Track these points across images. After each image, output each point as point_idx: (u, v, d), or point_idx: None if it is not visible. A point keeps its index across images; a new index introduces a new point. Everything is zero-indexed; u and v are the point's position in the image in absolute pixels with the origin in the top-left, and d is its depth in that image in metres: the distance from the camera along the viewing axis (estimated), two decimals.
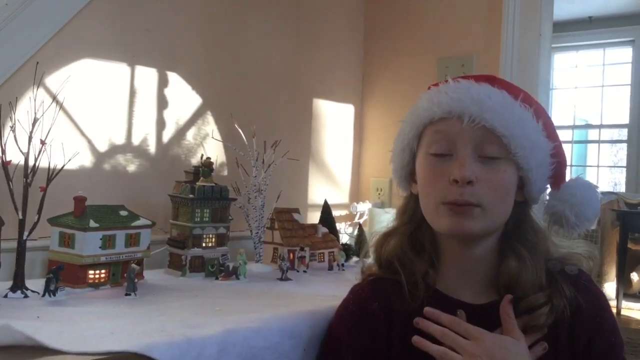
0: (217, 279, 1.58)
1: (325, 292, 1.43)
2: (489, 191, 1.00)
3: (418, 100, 1.11)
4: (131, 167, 1.81)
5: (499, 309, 1.04)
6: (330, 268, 1.84)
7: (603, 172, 6.14)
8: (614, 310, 4.08)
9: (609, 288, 4.44)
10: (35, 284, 1.28)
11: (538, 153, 1.03)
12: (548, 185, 1.10)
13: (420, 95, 1.10)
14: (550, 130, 1.07)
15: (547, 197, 1.11)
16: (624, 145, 5.82)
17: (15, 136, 1.30)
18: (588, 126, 6.21)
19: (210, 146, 2.02)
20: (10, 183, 1.27)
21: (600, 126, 5.97)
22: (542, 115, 1.07)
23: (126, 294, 1.31)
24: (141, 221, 1.47)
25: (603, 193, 4.64)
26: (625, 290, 4.25)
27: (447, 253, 1.10)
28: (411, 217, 1.14)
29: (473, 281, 1.09)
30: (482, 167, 1.01)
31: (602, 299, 1.09)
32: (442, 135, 1.03)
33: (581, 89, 6.00)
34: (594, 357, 1.04)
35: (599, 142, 6.03)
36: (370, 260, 1.20)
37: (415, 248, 1.12)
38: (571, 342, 1.04)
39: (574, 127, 6.06)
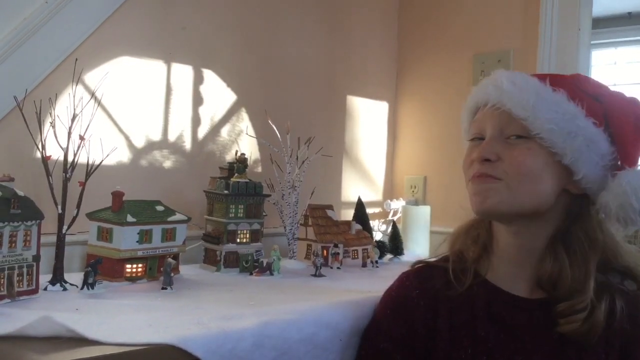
0: (251, 274, 1.59)
1: (359, 288, 1.43)
2: (510, 167, 1.02)
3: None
4: (167, 163, 1.83)
5: (547, 307, 1.02)
6: (364, 265, 1.83)
7: None
8: None
9: None
10: (74, 277, 1.30)
11: (573, 138, 1.01)
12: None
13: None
14: (612, 121, 1.04)
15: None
16: None
17: (54, 132, 1.32)
18: None
19: (244, 142, 2.03)
20: (50, 178, 1.29)
21: None
22: (602, 109, 1.05)
23: (162, 288, 1.32)
24: (177, 216, 1.49)
25: None
26: None
27: (499, 242, 1.11)
28: None
29: (524, 274, 1.08)
30: (506, 146, 1.03)
31: None
32: (476, 123, 1.10)
33: (620, 86, 5.86)
34: None
35: None
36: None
37: (472, 236, 1.15)
38: (626, 355, 1.01)
39: None
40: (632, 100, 1.10)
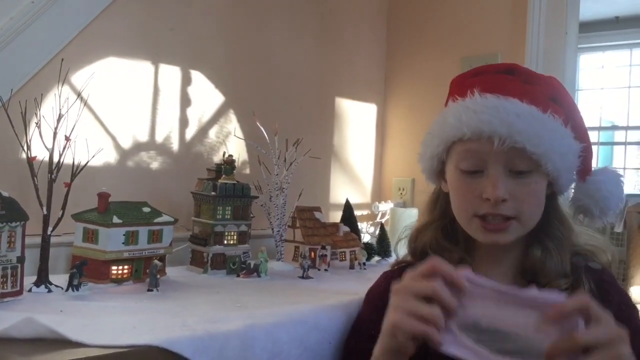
0: (238, 276, 1.58)
1: (347, 290, 1.43)
2: (522, 204, 1.04)
3: (444, 112, 1.11)
4: (154, 164, 1.82)
5: None
6: (352, 267, 1.83)
7: (629, 174, 6.03)
8: None
9: (635, 292, 4.37)
10: (59, 279, 1.29)
11: (567, 159, 1.05)
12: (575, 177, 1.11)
13: (449, 106, 1.11)
14: (579, 131, 1.09)
15: (573, 189, 1.14)
16: None
17: (40, 132, 1.31)
18: (614, 128, 6.11)
19: (232, 144, 2.02)
20: (35, 179, 1.28)
21: (627, 128, 5.87)
22: (571, 117, 1.08)
23: (148, 290, 1.32)
24: (164, 218, 1.48)
25: (629, 195, 4.56)
26: None
27: (481, 248, 1.13)
28: (443, 212, 1.17)
29: (503, 270, 1.12)
30: (513, 182, 1.03)
31: (625, 293, 1.12)
32: (473, 154, 1.05)
33: (607, 90, 5.91)
34: None
35: (625, 144, 5.93)
36: (402, 253, 1.24)
37: (449, 239, 1.15)
38: None
39: (600, 128, 5.97)
40: (558, 81, 1.13)
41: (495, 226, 1.04)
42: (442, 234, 1.15)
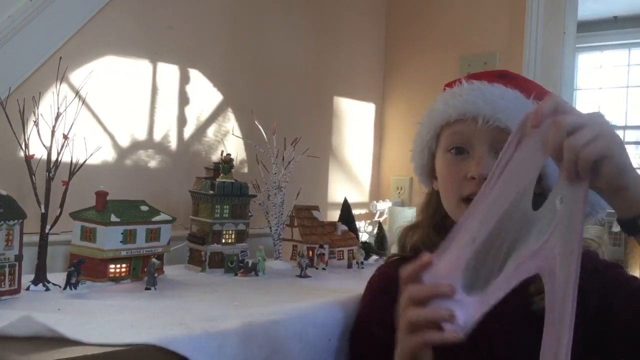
0: (236, 275, 1.59)
1: (344, 288, 1.43)
2: None
3: (434, 102, 1.15)
4: (152, 163, 1.82)
5: (519, 290, 1.03)
6: (350, 266, 1.84)
7: None
8: None
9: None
10: (57, 277, 1.29)
11: None
12: None
13: (436, 98, 1.15)
14: None
15: None
16: None
17: (38, 130, 1.31)
18: (613, 127, 6.14)
19: (230, 143, 2.02)
20: (33, 177, 1.28)
21: (625, 127, 5.89)
22: None
23: (146, 288, 1.32)
24: (162, 216, 1.48)
25: None
26: None
27: None
28: (435, 211, 1.18)
29: None
30: None
31: (618, 265, 1.11)
32: (459, 135, 1.08)
33: (606, 90, 5.92)
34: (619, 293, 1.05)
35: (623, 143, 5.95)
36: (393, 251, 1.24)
37: (441, 235, 1.14)
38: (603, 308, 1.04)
39: None
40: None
41: None
42: (434, 231, 1.16)
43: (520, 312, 1.05)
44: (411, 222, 1.22)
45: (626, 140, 5.92)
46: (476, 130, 1.05)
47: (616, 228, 4.50)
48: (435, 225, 1.16)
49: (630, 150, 6.08)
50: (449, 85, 1.16)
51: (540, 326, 1.02)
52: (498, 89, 1.07)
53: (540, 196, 1.09)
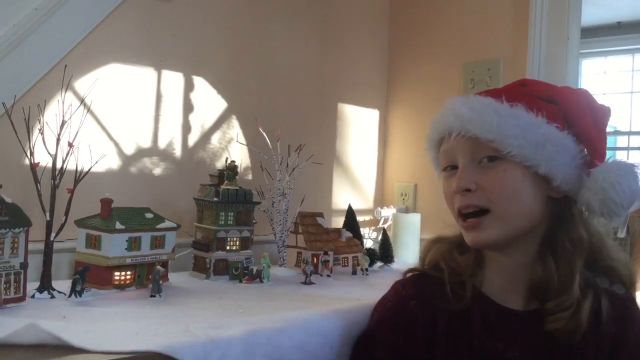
0: (241, 282, 1.59)
1: (349, 295, 1.43)
2: (491, 193, 1.03)
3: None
4: (157, 170, 1.83)
5: (539, 317, 1.04)
6: (354, 272, 1.83)
7: None
8: None
9: (638, 297, 4.35)
10: (62, 284, 1.30)
11: (543, 147, 1.01)
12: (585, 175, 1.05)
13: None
14: (574, 122, 1.05)
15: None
16: None
17: (43, 138, 1.32)
18: (617, 133, 6.11)
19: (235, 150, 2.02)
20: (38, 185, 1.29)
21: (630, 133, 5.88)
22: (561, 111, 1.05)
23: (151, 296, 1.32)
24: (166, 224, 1.48)
25: None
26: None
27: (490, 259, 1.12)
28: None
29: (517, 287, 1.09)
30: (481, 172, 1.04)
31: None
32: (446, 154, 1.10)
33: (610, 95, 5.91)
34: None
35: (627, 149, 5.93)
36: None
37: (461, 251, 1.14)
38: (614, 358, 1.04)
39: None
40: (583, 93, 1.11)
41: (472, 222, 1.04)
42: (455, 247, 1.14)
43: (537, 342, 1.04)
44: (438, 235, 1.21)
45: (631, 145, 5.91)
46: (455, 144, 1.06)
47: (621, 234, 4.49)
48: (458, 241, 1.14)
49: (635, 155, 6.07)
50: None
51: (555, 356, 1.02)
52: (469, 101, 1.07)
53: (561, 200, 1.07)
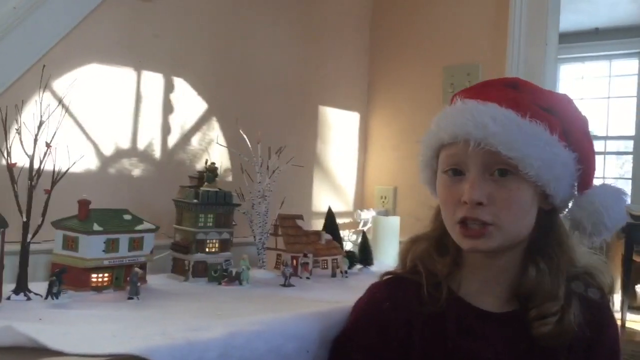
0: (220, 284, 1.58)
1: (328, 298, 1.43)
2: (502, 210, 1.01)
3: (432, 121, 1.12)
4: (136, 172, 1.82)
5: (518, 318, 1.05)
6: (334, 275, 1.84)
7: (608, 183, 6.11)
8: (619, 323, 4.06)
9: (615, 300, 4.42)
10: (39, 286, 1.28)
11: (554, 167, 1.02)
12: (576, 191, 1.08)
13: (434, 118, 1.12)
14: (573, 136, 1.06)
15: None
16: (630, 157, 5.81)
17: (20, 139, 1.30)
18: (594, 138, 6.12)
19: (215, 152, 2.02)
20: (15, 185, 1.27)
21: (606, 138, 5.96)
22: (561, 121, 1.05)
23: (129, 298, 1.31)
24: (145, 225, 1.47)
25: None
26: (630, 302, 4.23)
27: (470, 260, 1.11)
28: (439, 225, 1.15)
29: (496, 290, 1.10)
30: (494, 186, 1.01)
31: (617, 327, 1.11)
32: (454, 158, 1.05)
33: (587, 100, 5.99)
34: None
35: (604, 153, 6.02)
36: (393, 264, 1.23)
37: (440, 252, 1.13)
38: None
39: None
40: (571, 101, 1.12)
41: (474, 231, 1.02)
42: (434, 247, 1.14)
43: (513, 344, 1.04)
44: (415, 234, 1.20)
45: (607, 150, 5.99)
46: (468, 153, 1.01)
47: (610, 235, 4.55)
48: (436, 239, 1.14)
49: (611, 160, 6.16)
50: (457, 94, 1.13)
51: (532, 358, 1.03)
52: (490, 109, 1.02)
53: (550, 213, 1.09)
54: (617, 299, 4.36)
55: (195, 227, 1.61)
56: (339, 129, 2.53)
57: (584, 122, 1.10)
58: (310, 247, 1.85)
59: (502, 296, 1.09)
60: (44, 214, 1.30)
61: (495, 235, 1.02)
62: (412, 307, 1.09)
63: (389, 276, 1.18)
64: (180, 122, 1.94)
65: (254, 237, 1.82)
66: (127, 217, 1.46)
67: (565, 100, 1.11)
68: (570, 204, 1.09)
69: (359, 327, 1.14)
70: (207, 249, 1.63)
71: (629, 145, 5.80)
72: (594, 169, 1.09)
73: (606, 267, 1.12)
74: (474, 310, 1.08)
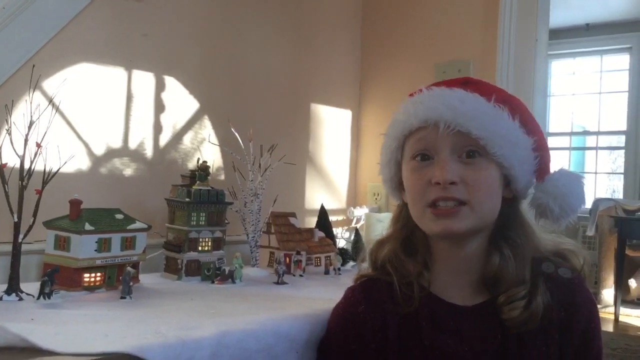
0: (213, 282, 1.58)
1: (321, 296, 1.43)
2: (473, 189, 1.03)
3: (396, 113, 1.13)
4: (128, 171, 1.81)
5: (488, 309, 1.06)
6: (327, 272, 1.84)
7: (601, 179, 6.14)
8: (612, 317, 4.08)
9: (607, 294, 4.44)
10: (31, 287, 1.28)
11: (517, 150, 1.05)
12: (534, 179, 1.11)
13: (398, 109, 1.13)
14: (530, 125, 1.09)
15: (533, 190, 1.12)
16: (622, 152, 5.83)
17: (11, 139, 1.30)
18: (586, 133, 6.22)
19: (207, 150, 2.02)
20: (6, 186, 1.27)
21: (598, 133, 5.98)
22: (518, 111, 1.09)
23: (121, 297, 1.31)
24: (137, 224, 1.47)
25: (600, 200, 4.64)
26: (623, 296, 4.24)
27: (438, 254, 1.12)
28: (404, 224, 1.16)
29: (465, 282, 1.10)
30: (463, 167, 1.04)
31: (594, 304, 1.11)
32: (422, 143, 1.07)
33: (579, 96, 6.01)
34: (585, 358, 1.07)
35: (596, 148, 6.04)
36: (366, 265, 1.21)
37: (408, 251, 1.14)
38: (564, 343, 1.05)
39: (571, 134, 6.07)
40: (518, 99, 1.15)
41: (446, 210, 1.03)
42: (401, 247, 1.14)
43: (487, 335, 1.05)
44: (382, 236, 1.20)
45: (599, 145, 6.02)
46: (439, 136, 1.03)
47: (590, 232, 4.57)
48: (403, 240, 1.14)
49: (603, 155, 6.18)
50: (412, 94, 1.14)
51: (506, 346, 1.04)
52: (458, 93, 1.06)
53: (512, 201, 1.11)
54: (610, 293, 4.38)
55: (187, 225, 1.61)
56: (331, 127, 2.53)
57: (535, 118, 1.14)
58: (303, 244, 1.85)
59: (471, 288, 1.10)
60: (35, 214, 1.30)
61: (467, 215, 1.03)
62: (387, 307, 1.10)
63: (363, 279, 1.18)
64: (172, 121, 1.93)
65: (247, 235, 1.82)
66: (119, 216, 1.46)
67: (518, 99, 1.14)
68: (530, 193, 1.12)
69: (338, 332, 1.14)
70: (199, 248, 1.63)
71: (621, 140, 5.82)
72: (550, 157, 1.13)
73: (578, 247, 1.14)
74: (447, 306, 1.09)
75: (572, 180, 1.11)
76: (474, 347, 1.04)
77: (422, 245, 1.12)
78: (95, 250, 1.36)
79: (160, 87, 1.90)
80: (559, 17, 5.03)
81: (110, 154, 1.77)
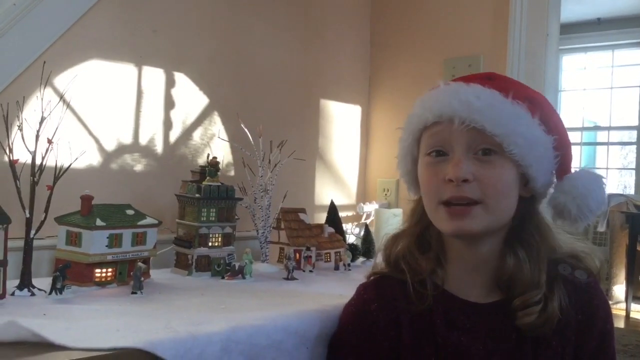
0: (223, 278, 1.58)
1: (331, 292, 1.43)
2: (487, 188, 1.01)
3: (413, 106, 1.12)
4: (138, 167, 1.82)
5: (503, 309, 1.05)
6: (337, 268, 1.84)
7: (612, 174, 6.11)
8: (623, 314, 4.06)
9: (618, 290, 4.41)
10: (42, 282, 1.28)
11: (536, 148, 1.03)
12: (554, 179, 1.09)
13: (415, 102, 1.12)
14: (551, 123, 1.07)
15: (552, 189, 1.10)
16: (634, 148, 5.79)
17: (22, 135, 1.30)
18: (597, 128, 6.18)
19: (216, 146, 2.02)
20: (18, 182, 1.27)
21: (609, 128, 5.94)
22: (539, 108, 1.06)
23: (132, 293, 1.31)
24: (147, 220, 1.48)
25: (612, 195, 4.61)
26: (635, 292, 4.22)
27: (452, 252, 1.11)
28: (419, 219, 1.15)
29: (479, 280, 1.09)
30: (478, 164, 1.02)
31: (609, 305, 1.10)
32: (437, 138, 1.05)
33: (590, 91, 5.98)
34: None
35: (607, 144, 6.00)
36: (379, 260, 1.21)
37: (422, 248, 1.13)
38: (580, 345, 1.05)
39: (582, 129, 6.03)
40: (545, 97, 1.12)
41: (459, 210, 1.01)
42: (415, 244, 1.13)
43: (501, 334, 1.04)
44: (397, 230, 1.19)
45: (611, 140, 5.98)
46: (453, 131, 1.02)
47: (601, 228, 4.55)
48: (417, 236, 1.14)
49: (614, 151, 6.14)
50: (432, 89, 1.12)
51: (521, 346, 1.03)
52: (473, 89, 1.03)
53: (530, 200, 1.09)
54: (621, 289, 4.36)
55: (197, 221, 1.61)
56: (341, 122, 2.52)
57: (558, 115, 1.11)
58: (313, 240, 1.85)
59: (486, 286, 1.09)
60: (46, 210, 1.31)
61: (480, 215, 1.01)
62: (400, 305, 1.09)
63: (375, 276, 1.17)
64: (182, 117, 1.94)
65: (257, 231, 1.82)
66: (129, 212, 1.47)
67: (541, 95, 1.12)
68: (549, 192, 1.10)
69: (349, 330, 1.13)
70: (209, 244, 1.63)
71: (633, 136, 5.78)
72: (571, 156, 1.10)
73: (593, 250, 1.12)
74: (460, 303, 1.08)
75: (592, 181, 1.08)
76: (488, 345, 1.04)
77: (436, 242, 1.12)
78: (107, 246, 1.37)
79: (170, 83, 1.91)
80: (570, 11, 5.00)
81: (121, 150, 1.78)
